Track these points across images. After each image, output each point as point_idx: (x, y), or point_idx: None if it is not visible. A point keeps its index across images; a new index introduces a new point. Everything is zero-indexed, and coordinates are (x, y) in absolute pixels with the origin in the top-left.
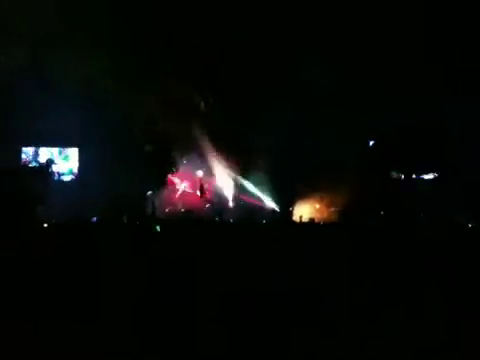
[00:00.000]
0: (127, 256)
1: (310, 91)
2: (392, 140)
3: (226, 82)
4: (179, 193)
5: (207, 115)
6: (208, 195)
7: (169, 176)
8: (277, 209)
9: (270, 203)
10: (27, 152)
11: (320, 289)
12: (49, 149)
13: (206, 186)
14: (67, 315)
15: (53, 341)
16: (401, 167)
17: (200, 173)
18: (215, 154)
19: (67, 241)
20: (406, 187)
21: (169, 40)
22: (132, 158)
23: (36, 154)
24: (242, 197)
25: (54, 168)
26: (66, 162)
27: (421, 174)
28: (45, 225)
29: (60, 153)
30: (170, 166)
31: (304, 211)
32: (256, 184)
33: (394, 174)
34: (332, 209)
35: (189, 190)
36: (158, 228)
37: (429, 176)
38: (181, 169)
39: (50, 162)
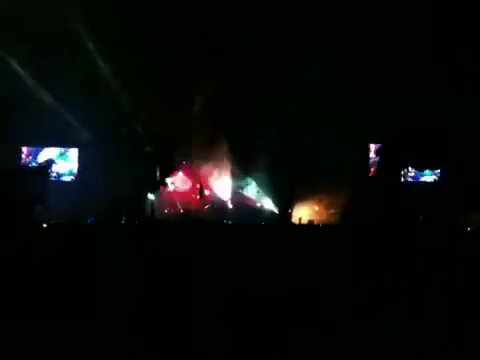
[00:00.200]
0: (126, 256)
1: (311, 92)
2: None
3: (230, 82)
4: (178, 194)
5: (208, 116)
6: (207, 197)
7: (169, 177)
8: (276, 211)
9: (269, 205)
10: (29, 151)
11: (320, 289)
12: (50, 149)
13: (205, 188)
14: (66, 315)
15: (52, 341)
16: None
17: (200, 174)
18: (215, 156)
19: (66, 241)
20: (407, 188)
21: (174, 40)
22: (132, 159)
23: (36, 154)
24: (241, 199)
25: (54, 168)
26: (66, 162)
27: (424, 169)
28: (44, 225)
29: (61, 155)
30: (170, 167)
31: (303, 213)
32: (255, 186)
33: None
34: (331, 211)
35: (189, 191)
36: None
37: (430, 178)
38: (181, 170)
39: (50, 162)
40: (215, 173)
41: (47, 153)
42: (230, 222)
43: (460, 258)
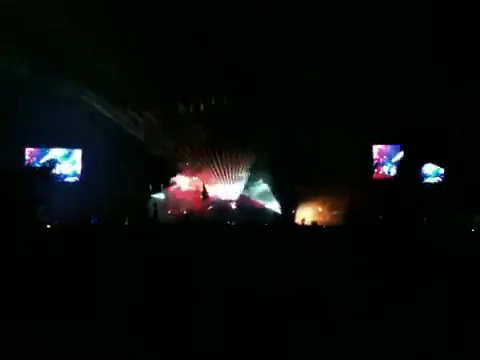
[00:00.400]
0: (128, 257)
1: (313, 94)
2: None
3: (231, 83)
4: (182, 195)
5: (210, 117)
6: (210, 198)
7: (172, 178)
8: (279, 212)
9: (273, 206)
10: (34, 152)
11: (322, 290)
12: (55, 150)
13: (208, 189)
14: (67, 315)
15: (54, 341)
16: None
17: (202, 176)
18: (218, 157)
19: (68, 242)
20: (410, 189)
21: (175, 41)
22: (136, 160)
23: (40, 155)
24: (244, 200)
25: (58, 169)
26: (70, 163)
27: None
28: (48, 226)
29: (65, 156)
30: (173, 168)
31: (306, 214)
32: (259, 187)
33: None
34: (335, 212)
35: (192, 192)
36: None
37: (433, 180)
38: (184, 172)
39: (53, 163)
40: (218, 175)
41: (52, 154)
42: (233, 223)
43: (461, 259)
